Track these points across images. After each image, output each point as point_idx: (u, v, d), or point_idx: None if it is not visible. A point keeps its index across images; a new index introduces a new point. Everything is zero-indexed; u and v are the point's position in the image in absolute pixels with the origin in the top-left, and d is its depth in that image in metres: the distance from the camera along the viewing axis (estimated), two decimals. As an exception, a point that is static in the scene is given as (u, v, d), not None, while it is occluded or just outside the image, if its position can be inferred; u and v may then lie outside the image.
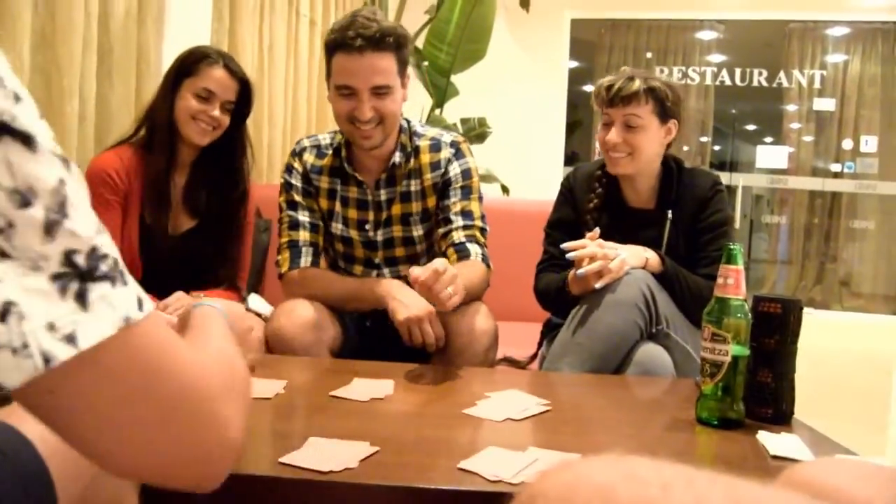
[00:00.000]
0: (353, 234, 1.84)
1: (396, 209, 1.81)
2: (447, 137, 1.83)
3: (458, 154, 1.81)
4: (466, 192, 1.78)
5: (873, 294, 5.74)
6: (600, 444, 1.13)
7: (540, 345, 1.87)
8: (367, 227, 1.82)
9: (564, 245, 1.62)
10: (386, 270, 1.85)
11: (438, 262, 1.38)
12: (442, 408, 1.29)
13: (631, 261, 1.61)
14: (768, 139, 5.91)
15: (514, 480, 0.90)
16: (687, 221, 1.77)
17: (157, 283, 1.73)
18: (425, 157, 1.80)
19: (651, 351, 1.55)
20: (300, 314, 1.65)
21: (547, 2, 4.54)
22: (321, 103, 3.98)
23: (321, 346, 1.67)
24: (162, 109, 1.77)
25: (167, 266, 1.75)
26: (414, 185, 1.81)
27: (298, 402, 1.33)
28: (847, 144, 5.55)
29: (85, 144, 2.22)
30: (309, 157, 1.83)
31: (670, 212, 1.78)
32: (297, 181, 1.82)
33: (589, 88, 6.17)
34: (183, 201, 1.83)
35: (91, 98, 2.25)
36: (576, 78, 5.56)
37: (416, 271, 1.37)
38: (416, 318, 1.54)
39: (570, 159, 5.75)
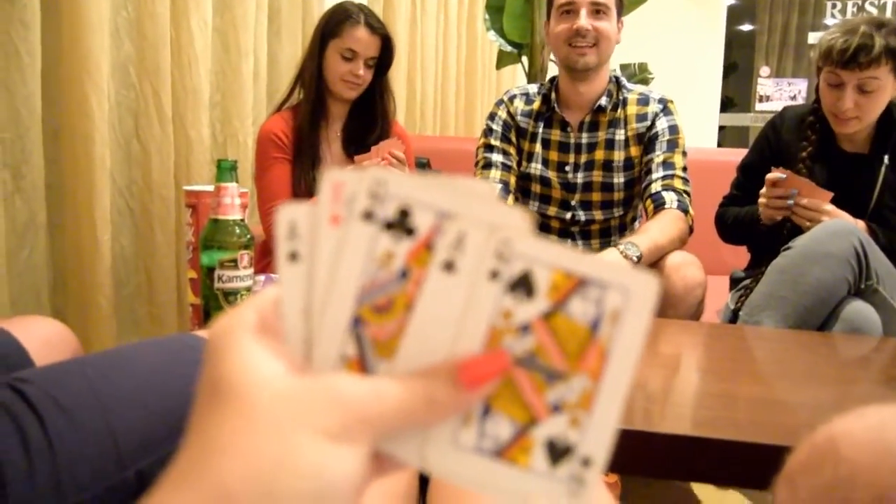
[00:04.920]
0: (552, 175, 1.89)
1: (600, 155, 1.86)
2: (656, 94, 1.89)
3: (666, 111, 1.86)
4: (672, 145, 1.82)
5: None
6: (810, 397, 1.07)
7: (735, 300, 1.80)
8: (567, 168, 1.88)
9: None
10: (581, 213, 1.89)
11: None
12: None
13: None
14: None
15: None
16: None
17: None
18: (632, 109, 1.86)
19: (859, 308, 1.44)
20: None
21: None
22: (470, 54, 3.96)
23: None
24: (310, 69, 1.87)
25: None
26: (619, 135, 1.86)
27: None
28: None
29: (259, 101, 2.33)
30: (519, 104, 1.93)
31: (887, 157, 1.68)
32: (497, 127, 1.92)
33: (748, 28, 5.79)
34: (343, 152, 1.93)
35: (263, 57, 2.35)
36: (735, 16, 5.21)
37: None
38: None
39: (725, 105, 5.45)
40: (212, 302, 1.13)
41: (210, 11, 2.04)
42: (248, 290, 1.15)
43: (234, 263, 1.13)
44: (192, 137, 1.98)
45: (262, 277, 1.23)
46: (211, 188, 1.27)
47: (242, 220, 1.17)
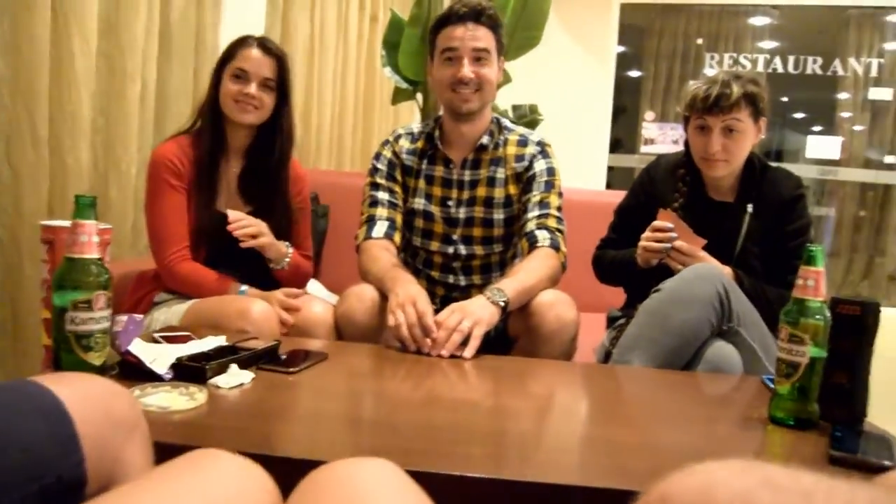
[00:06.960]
0: (435, 209, 1.93)
1: (481, 191, 1.91)
2: (535, 137, 1.96)
3: (544, 153, 1.93)
4: (548, 186, 1.88)
5: (923, 289, 5.59)
6: (674, 438, 1.12)
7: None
8: (450, 203, 1.92)
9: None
10: (462, 247, 1.93)
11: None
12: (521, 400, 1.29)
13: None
14: (818, 129, 5.76)
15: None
16: (768, 219, 1.79)
17: (224, 264, 1.81)
18: (511, 149, 1.92)
19: (722, 349, 1.53)
20: (369, 297, 1.70)
21: (597, -14, 4.46)
22: (368, 89, 3.98)
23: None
24: (208, 97, 1.85)
25: (230, 249, 1.78)
26: (499, 173, 1.91)
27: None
28: (903, 136, 5.38)
29: (145, 127, 2.26)
30: (404, 143, 1.97)
31: (750, 206, 1.80)
32: (382, 166, 1.95)
33: (636, 74, 6.08)
34: (238, 187, 1.87)
35: (152, 81, 2.28)
36: (623, 63, 5.47)
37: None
38: (401, 305, 1.56)
39: (614, 146, 5.69)
40: (62, 345, 1.07)
41: (95, 33, 1.97)
42: (104, 332, 1.09)
43: (89, 304, 1.07)
44: (69, 164, 1.90)
45: (123, 317, 1.17)
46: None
47: (100, 260, 1.11)
